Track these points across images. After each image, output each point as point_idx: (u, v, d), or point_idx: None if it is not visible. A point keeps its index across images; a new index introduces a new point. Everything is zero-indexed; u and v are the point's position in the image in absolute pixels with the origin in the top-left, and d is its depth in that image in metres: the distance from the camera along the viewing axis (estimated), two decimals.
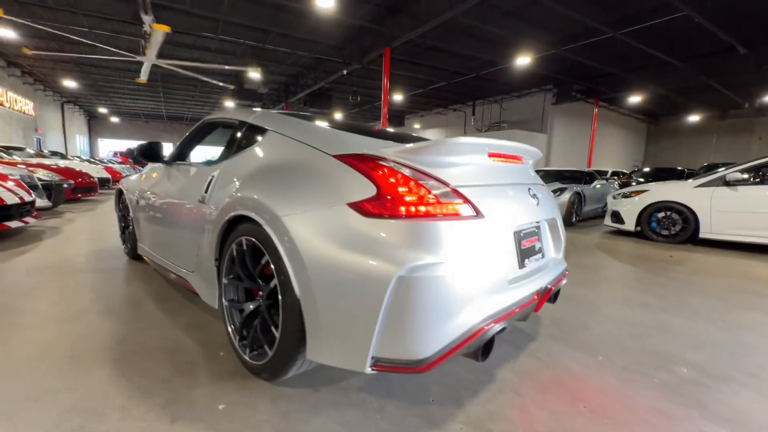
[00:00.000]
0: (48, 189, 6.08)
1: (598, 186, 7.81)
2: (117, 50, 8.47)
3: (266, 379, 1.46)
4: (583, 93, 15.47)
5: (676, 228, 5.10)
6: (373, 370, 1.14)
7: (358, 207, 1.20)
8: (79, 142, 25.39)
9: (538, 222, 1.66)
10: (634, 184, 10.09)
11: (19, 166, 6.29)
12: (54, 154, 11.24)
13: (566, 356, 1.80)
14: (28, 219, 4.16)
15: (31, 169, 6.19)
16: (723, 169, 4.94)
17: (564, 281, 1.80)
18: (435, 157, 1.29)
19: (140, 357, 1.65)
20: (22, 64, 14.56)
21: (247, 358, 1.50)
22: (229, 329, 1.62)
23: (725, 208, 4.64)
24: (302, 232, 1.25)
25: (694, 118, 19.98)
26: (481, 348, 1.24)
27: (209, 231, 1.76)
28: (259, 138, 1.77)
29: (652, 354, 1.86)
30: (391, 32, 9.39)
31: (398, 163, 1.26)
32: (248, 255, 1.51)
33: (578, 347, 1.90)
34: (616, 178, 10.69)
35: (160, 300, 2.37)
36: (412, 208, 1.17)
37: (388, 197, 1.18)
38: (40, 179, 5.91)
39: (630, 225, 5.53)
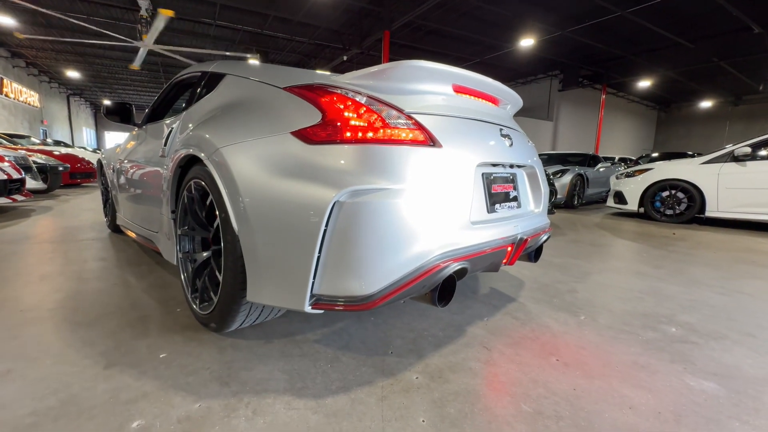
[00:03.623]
0: (43, 172, 6.07)
1: (602, 169, 7.57)
2: (115, 35, 8.43)
3: (214, 330, 1.37)
4: (590, 78, 15.06)
5: (680, 207, 4.90)
6: (313, 308, 1.04)
7: (301, 134, 1.09)
8: (86, 134, 25.65)
9: (512, 167, 1.53)
10: None
11: (19, 150, 6.30)
12: (58, 143, 11.30)
13: (546, 316, 1.68)
14: (15, 196, 4.14)
15: (29, 153, 6.19)
16: (731, 144, 4.71)
17: (544, 237, 1.67)
18: (391, 83, 1.18)
19: (93, 312, 1.58)
20: (27, 54, 14.64)
21: (197, 309, 1.41)
22: (183, 281, 1.53)
23: (733, 185, 4.42)
24: (240, 162, 1.15)
25: (706, 104, 19.37)
26: (437, 289, 1.13)
27: (166, 183, 1.67)
28: (217, 84, 1.66)
29: (640, 315, 1.73)
30: (390, 14, 9.19)
31: (349, 89, 1.14)
32: (197, 200, 1.42)
33: (561, 308, 1.77)
34: (622, 164, 10.38)
35: (130, 265, 2.30)
36: (359, 134, 1.06)
37: (334, 122, 1.07)
38: (35, 162, 5.92)
39: (633, 205, 5.34)
